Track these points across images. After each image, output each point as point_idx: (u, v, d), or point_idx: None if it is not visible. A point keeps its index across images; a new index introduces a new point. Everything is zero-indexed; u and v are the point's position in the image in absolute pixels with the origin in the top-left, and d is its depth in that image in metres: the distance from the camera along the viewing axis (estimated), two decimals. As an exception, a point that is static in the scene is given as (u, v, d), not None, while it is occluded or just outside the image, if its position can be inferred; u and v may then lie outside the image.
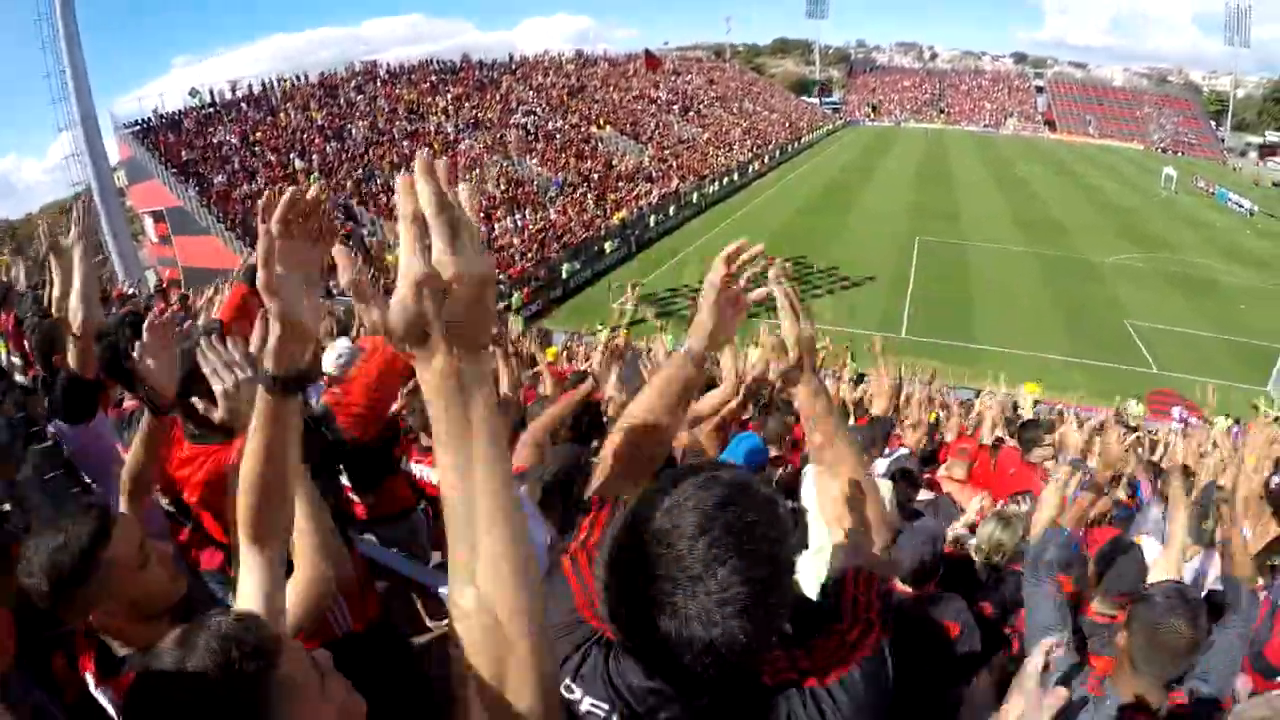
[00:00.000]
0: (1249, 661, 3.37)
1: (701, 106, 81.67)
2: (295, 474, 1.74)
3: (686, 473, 1.25)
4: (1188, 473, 5.61)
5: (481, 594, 1.02)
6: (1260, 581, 4.58)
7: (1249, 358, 27.48)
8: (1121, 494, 6.24)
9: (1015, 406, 14.65)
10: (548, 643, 1.10)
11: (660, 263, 38.98)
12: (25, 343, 5.75)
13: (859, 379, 13.89)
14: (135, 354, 2.46)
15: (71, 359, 3.32)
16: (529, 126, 55.64)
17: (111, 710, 1.84)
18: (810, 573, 4.57)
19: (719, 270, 1.88)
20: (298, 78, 49.08)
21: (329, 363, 5.00)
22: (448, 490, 1.03)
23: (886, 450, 6.48)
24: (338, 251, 1.13)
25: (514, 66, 67.58)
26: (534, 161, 49.94)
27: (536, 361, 7.96)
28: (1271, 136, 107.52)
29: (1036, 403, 15.71)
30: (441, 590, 3.35)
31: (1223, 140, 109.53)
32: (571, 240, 39.13)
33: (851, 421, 7.98)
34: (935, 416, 10.70)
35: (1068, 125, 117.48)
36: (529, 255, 35.56)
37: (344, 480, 4.28)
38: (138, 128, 38.56)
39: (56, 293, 3.84)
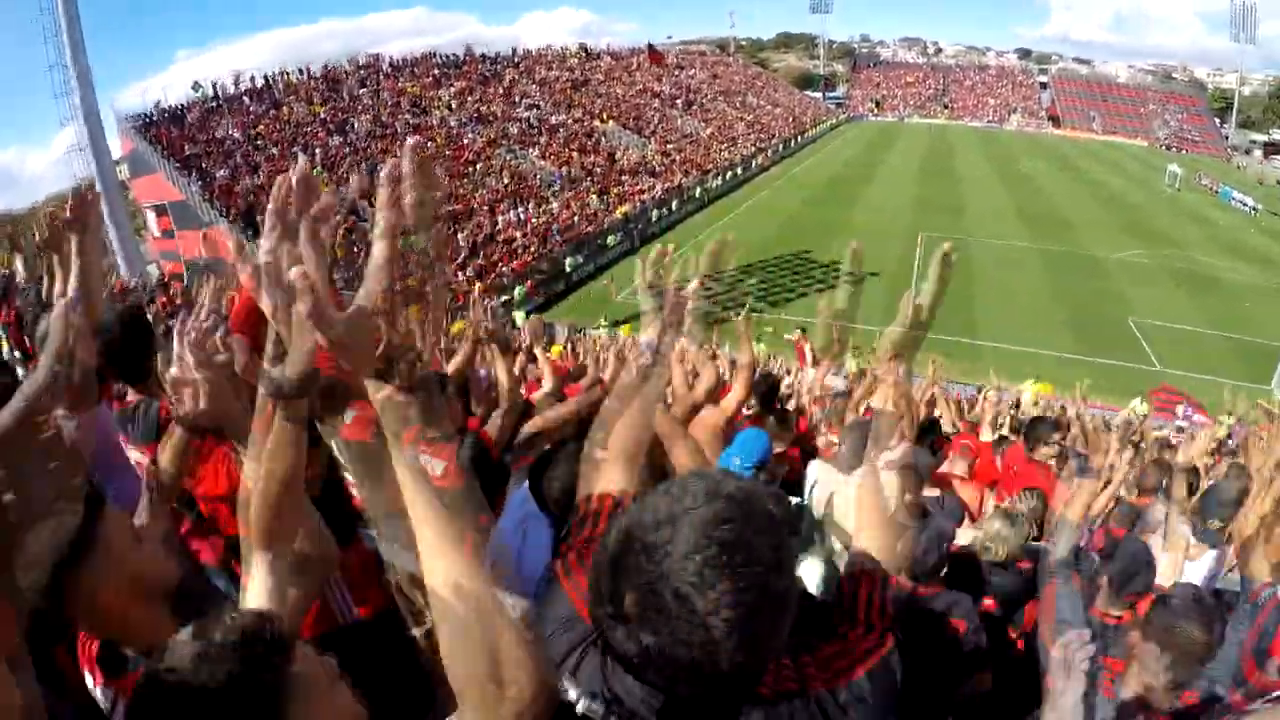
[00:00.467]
0: (1254, 659, 3.35)
1: (705, 101, 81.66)
2: (300, 480, 1.72)
3: (688, 483, 1.22)
4: (1193, 472, 5.59)
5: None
6: (1269, 579, 4.57)
7: (1252, 356, 27.45)
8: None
9: (1018, 404, 14.63)
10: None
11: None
12: (26, 336, 5.74)
13: (860, 374, 13.88)
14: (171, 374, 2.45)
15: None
16: (532, 120, 55.68)
17: (109, 709, 1.82)
18: (814, 572, 4.55)
19: (643, 276, 2.06)
20: (300, 71, 49.08)
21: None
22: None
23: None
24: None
25: (517, 60, 67.58)
26: (536, 155, 49.94)
27: (535, 357, 7.92)
28: (1276, 134, 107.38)
29: (1035, 402, 15.67)
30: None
31: (1227, 138, 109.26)
32: (574, 234, 39.16)
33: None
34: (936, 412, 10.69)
35: (1072, 121, 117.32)
36: (531, 249, 35.57)
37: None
38: (140, 121, 38.47)
39: (58, 287, 3.82)
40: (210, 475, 2.91)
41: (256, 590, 1.69)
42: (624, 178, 50.53)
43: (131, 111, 39.45)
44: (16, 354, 6.01)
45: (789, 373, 15.34)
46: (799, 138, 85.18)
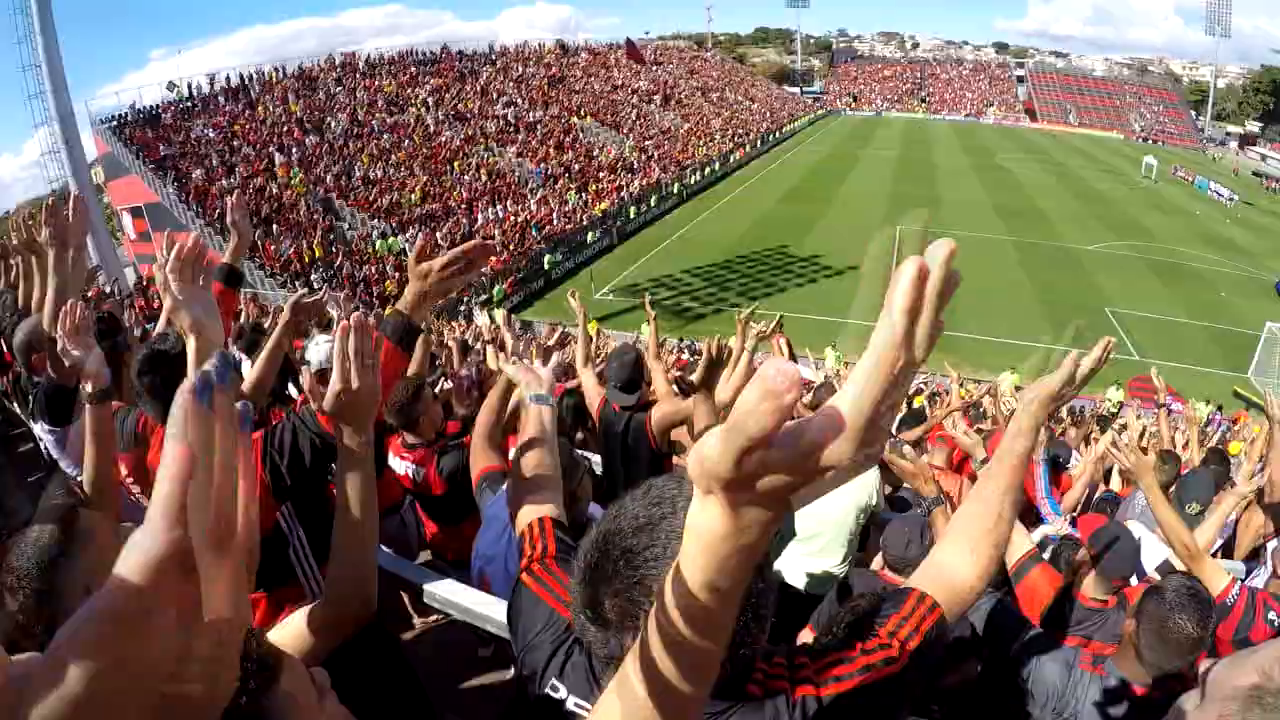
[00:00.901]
0: (1234, 650, 3.40)
1: (682, 96, 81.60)
2: (251, 480, 1.72)
3: (665, 488, 1.22)
4: (1172, 458, 5.63)
5: None
6: (1241, 568, 4.64)
7: (1228, 344, 27.80)
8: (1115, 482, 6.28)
9: (995, 393, 14.69)
10: None
11: (642, 253, 39.03)
12: (3, 343, 5.67)
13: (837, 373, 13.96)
14: (59, 350, 2.48)
15: (50, 361, 3.29)
16: (509, 118, 55.50)
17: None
18: (800, 565, 4.58)
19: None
20: (276, 69, 48.70)
21: (314, 356, 4.96)
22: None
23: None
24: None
25: (494, 57, 67.33)
26: (514, 152, 49.81)
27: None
28: (1251, 126, 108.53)
29: (1013, 393, 15.78)
30: (427, 586, 3.36)
31: (1203, 130, 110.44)
32: (553, 231, 39.11)
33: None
34: (922, 402, 10.75)
35: (1048, 115, 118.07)
36: (510, 247, 35.45)
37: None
38: (115, 123, 38.13)
39: (36, 293, 3.79)
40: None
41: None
42: (602, 174, 50.49)
43: (106, 113, 39.09)
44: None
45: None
46: (776, 133, 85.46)
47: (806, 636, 1.50)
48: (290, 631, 1.88)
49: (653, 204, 48.38)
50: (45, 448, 3.29)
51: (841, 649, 1.39)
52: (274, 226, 32.23)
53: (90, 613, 0.63)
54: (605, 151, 55.83)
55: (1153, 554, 3.82)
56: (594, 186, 47.22)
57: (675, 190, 52.45)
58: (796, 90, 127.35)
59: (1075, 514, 5.16)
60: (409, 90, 53.53)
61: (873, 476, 4.52)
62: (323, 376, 4.91)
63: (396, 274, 30.23)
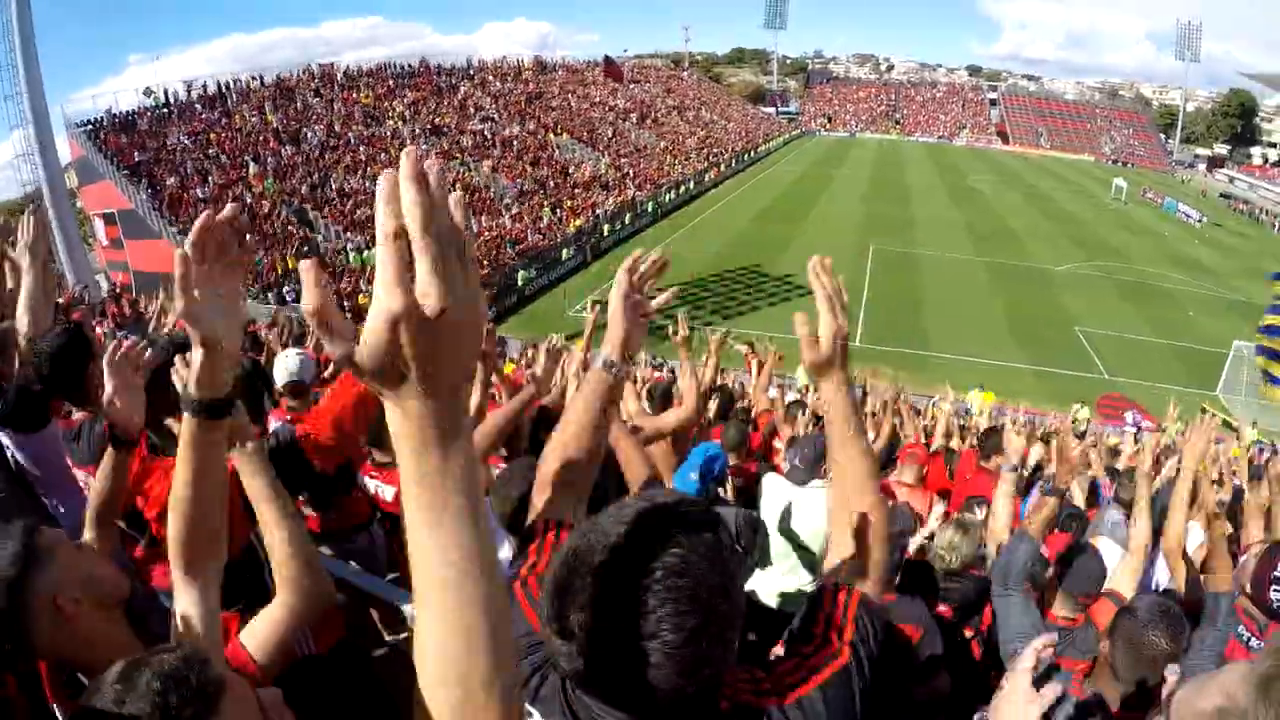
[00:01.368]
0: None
1: (659, 115, 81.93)
2: (223, 499, 1.76)
3: (635, 506, 1.22)
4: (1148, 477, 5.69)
5: (448, 662, 0.93)
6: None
7: (1196, 363, 28.21)
8: (1080, 499, 6.31)
9: (967, 412, 14.82)
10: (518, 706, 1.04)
11: (615, 271, 39.05)
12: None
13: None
14: (105, 396, 2.40)
15: (19, 368, 3.24)
16: (486, 133, 55.51)
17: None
18: (772, 584, 4.58)
19: (623, 281, 1.94)
20: (254, 79, 48.36)
21: (281, 374, 4.90)
22: (415, 545, 0.92)
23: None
24: (304, 266, 0.93)
25: (472, 72, 67.31)
26: (489, 167, 49.79)
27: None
28: (1219, 149, 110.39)
29: (980, 411, 15.95)
30: (405, 608, 3.33)
31: (1171, 153, 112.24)
32: (527, 247, 39.05)
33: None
34: (893, 424, 10.79)
35: (1020, 137, 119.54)
36: (484, 262, 35.31)
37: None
38: (89, 127, 37.67)
39: (7, 298, 3.74)
40: (157, 493, 2.85)
41: (180, 624, 1.71)
42: (577, 191, 50.58)
43: (81, 117, 38.60)
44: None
45: (743, 386, 15.40)
46: (752, 152, 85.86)
47: (779, 652, 1.51)
48: (262, 623, 1.94)
49: (627, 222, 48.54)
50: (11, 455, 3.23)
51: (789, 659, 1.45)
52: (248, 237, 31.92)
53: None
54: (581, 169, 55.87)
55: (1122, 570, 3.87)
56: (569, 203, 47.27)
57: (650, 209, 52.58)
58: (772, 111, 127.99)
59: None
60: (386, 103, 53.36)
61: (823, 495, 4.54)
62: (293, 389, 4.88)
63: (369, 287, 30.06)
